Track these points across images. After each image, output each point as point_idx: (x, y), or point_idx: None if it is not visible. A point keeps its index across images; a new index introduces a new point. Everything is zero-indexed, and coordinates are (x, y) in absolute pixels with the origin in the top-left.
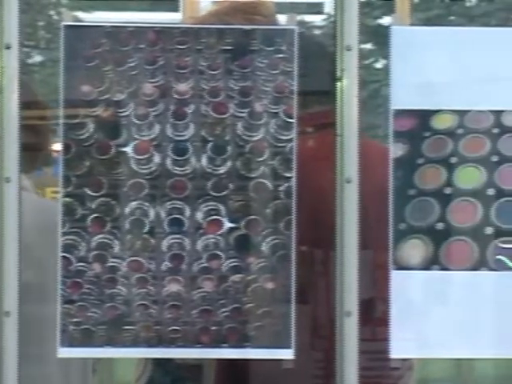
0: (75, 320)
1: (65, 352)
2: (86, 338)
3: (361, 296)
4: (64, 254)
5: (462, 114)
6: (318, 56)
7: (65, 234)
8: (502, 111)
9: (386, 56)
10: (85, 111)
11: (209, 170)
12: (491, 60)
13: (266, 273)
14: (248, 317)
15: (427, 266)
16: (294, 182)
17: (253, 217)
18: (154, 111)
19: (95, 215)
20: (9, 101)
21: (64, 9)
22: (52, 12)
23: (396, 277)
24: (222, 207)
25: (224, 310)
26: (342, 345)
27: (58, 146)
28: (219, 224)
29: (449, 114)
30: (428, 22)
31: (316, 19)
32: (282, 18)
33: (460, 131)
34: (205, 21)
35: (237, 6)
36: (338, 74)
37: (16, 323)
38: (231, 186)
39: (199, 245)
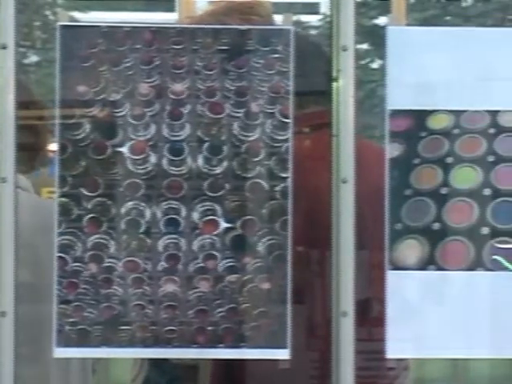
0: (71, 320)
1: (61, 352)
2: (82, 338)
3: (357, 296)
4: (60, 254)
5: (458, 114)
6: (314, 56)
7: (61, 234)
8: (498, 111)
9: (382, 56)
10: (81, 111)
11: (205, 170)
12: (487, 60)
13: (262, 273)
14: (244, 317)
15: (423, 266)
16: (289, 183)
17: (249, 217)
18: (149, 111)
19: (91, 215)
20: (5, 101)
21: (60, 9)
22: (48, 12)
23: (392, 277)
24: (218, 207)
25: (220, 310)
26: (338, 345)
27: (53, 146)
28: (215, 224)
29: (445, 114)
30: (424, 23)
31: (312, 19)
32: (277, 18)
33: (456, 131)
34: (201, 21)
35: (233, 6)
36: (334, 74)
37: (12, 323)
38: (227, 186)
39: (195, 245)
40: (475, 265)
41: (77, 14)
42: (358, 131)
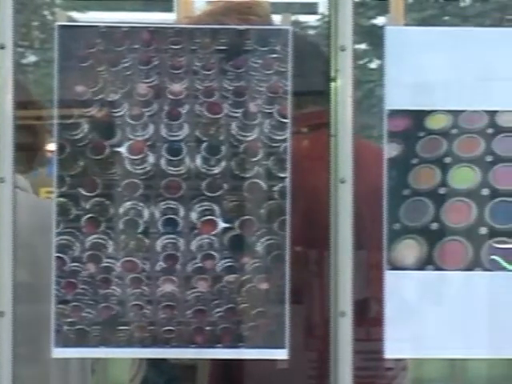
0: (69, 320)
1: (59, 352)
2: (81, 339)
3: (355, 296)
4: (58, 254)
5: (456, 114)
6: (312, 56)
7: (59, 234)
8: (496, 111)
9: (381, 56)
10: (79, 111)
11: (203, 170)
12: (485, 60)
13: (261, 273)
14: (242, 317)
15: (421, 266)
16: (288, 183)
17: (247, 217)
18: (148, 111)
19: (89, 215)
20: (3, 101)
21: (58, 9)
22: (46, 12)
23: (390, 277)
24: (216, 207)
25: (218, 310)
26: (336, 345)
27: (52, 146)
28: (213, 224)
29: (443, 114)
30: (422, 23)
31: (310, 19)
32: (276, 18)
33: (454, 131)
34: (199, 21)
35: (231, 6)
36: (333, 74)
37: (10, 323)
38: (225, 186)
39: (193, 245)
40: (473, 265)
41: (75, 14)
42: (357, 131)
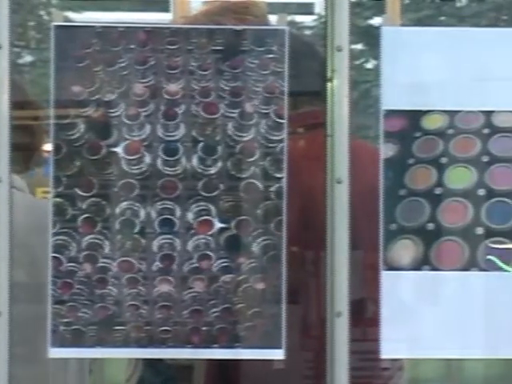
0: (66, 320)
1: (55, 352)
2: (77, 339)
3: (351, 296)
4: (54, 255)
5: (452, 114)
6: (309, 56)
7: (55, 234)
8: (492, 111)
9: (377, 56)
10: (75, 111)
11: (199, 171)
12: (481, 60)
13: (257, 273)
14: (239, 317)
15: (418, 266)
16: (284, 183)
17: (243, 217)
18: (144, 111)
19: (86, 215)
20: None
21: (54, 9)
22: (42, 12)
23: (386, 277)
24: (212, 207)
25: (215, 310)
26: (333, 345)
27: (48, 147)
28: (210, 224)
29: (439, 114)
30: (418, 23)
31: (307, 19)
32: (272, 19)
33: (450, 131)
34: (196, 21)
35: (228, 5)
36: (329, 74)
37: (7, 323)
38: (222, 186)
39: (190, 245)
40: (469, 265)
41: (71, 14)
42: (353, 131)
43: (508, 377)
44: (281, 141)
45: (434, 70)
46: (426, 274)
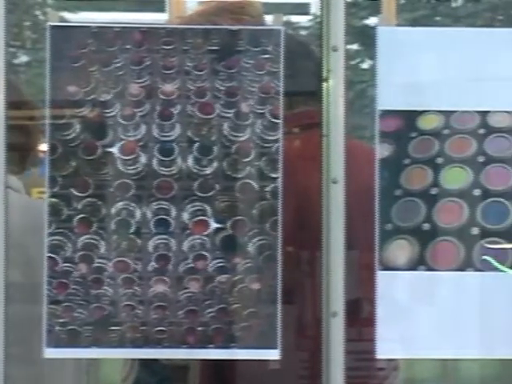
0: (61, 320)
1: (51, 352)
2: (72, 339)
3: (347, 296)
4: (50, 255)
5: (448, 114)
6: (304, 56)
7: (51, 234)
8: (487, 112)
9: (373, 57)
10: (71, 111)
11: (195, 171)
12: (477, 60)
13: (252, 273)
14: (234, 317)
15: (413, 266)
16: (280, 183)
17: (239, 217)
18: (140, 112)
19: (81, 216)
20: None
21: (50, 9)
22: (38, 12)
23: (382, 277)
24: (208, 208)
25: (210, 310)
26: (328, 345)
27: (44, 147)
28: (205, 224)
29: (435, 114)
30: (414, 23)
31: (302, 20)
32: (268, 19)
33: (446, 132)
34: (192, 21)
35: (224, 6)
36: (325, 74)
37: (2, 323)
38: (217, 186)
39: (185, 245)
40: (465, 265)
41: (67, 15)
42: (348, 131)
43: (503, 377)
44: (276, 141)
45: (429, 70)
46: (421, 274)
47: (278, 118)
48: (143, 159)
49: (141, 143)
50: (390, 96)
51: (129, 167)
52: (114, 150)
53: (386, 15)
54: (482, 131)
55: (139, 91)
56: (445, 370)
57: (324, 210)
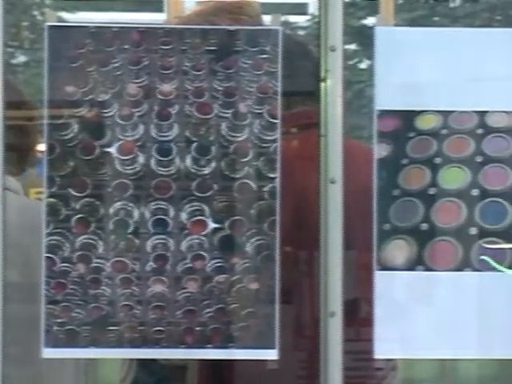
0: (59, 320)
1: (49, 353)
2: (71, 339)
3: (345, 296)
4: (48, 255)
5: (446, 114)
6: (302, 56)
7: (49, 234)
8: (486, 112)
9: (371, 57)
10: (69, 112)
11: (193, 171)
12: (475, 60)
13: (251, 273)
14: (232, 317)
15: (411, 266)
16: (278, 183)
17: (237, 217)
18: (138, 112)
19: (79, 216)
20: None
21: (48, 9)
22: (36, 12)
23: (380, 277)
24: (206, 208)
25: (208, 310)
26: (326, 345)
27: (42, 147)
28: (203, 224)
29: (433, 114)
30: (412, 23)
31: (300, 20)
32: (266, 19)
33: (444, 132)
34: (190, 21)
35: (222, 6)
36: (323, 74)
37: (1, 323)
38: (215, 186)
39: (183, 245)
40: (463, 265)
41: (65, 15)
42: (346, 131)
43: (502, 377)
44: (274, 141)
45: (427, 71)
46: (419, 275)
47: (276, 118)
48: (141, 159)
49: (139, 143)
50: (388, 96)
51: (127, 167)
52: (112, 149)
53: (384, 15)
54: (480, 131)
55: (137, 91)
56: (443, 369)
57: (322, 209)
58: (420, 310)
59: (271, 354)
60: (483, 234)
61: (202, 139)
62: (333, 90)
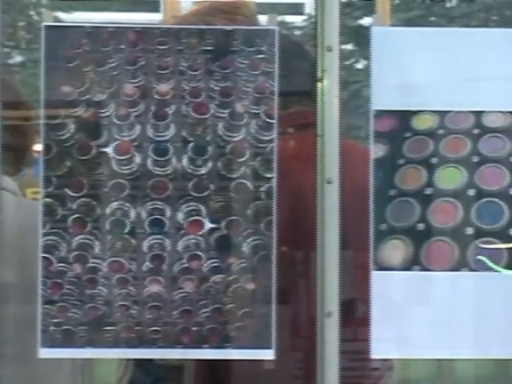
0: (56, 321)
1: (45, 353)
2: (67, 339)
3: (341, 296)
4: (44, 255)
5: (442, 114)
6: (298, 56)
7: (45, 234)
8: (482, 112)
9: (367, 57)
10: (65, 112)
11: (190, 171)
12: (471, 61)
13: (247, 273)
14: (229, 317)
15: (408, 266)
16: (274, 183)
17: (233, 217)
18: (134, 112)
19: (76, 216)
20: None
21: (44, 9)
22: (32, 12)
23: (377, 277)
24: (202, 208)
25: (205, 310)
26: (323, 345)
27: (38, 147)
28: (200, 224)
29: (429, 114)
30: (408, 23)
31: (297, 20)
32: (262, 19)
33: (440, 132)
34: (186, 21)
35: (218, 6)
36: (319, 74)
37: None
38: (212, 186)
39: (180, 245)
40: (459, 265)
41: (61, 15)
42: (343, 131)
43: (498, 377)
44: (271, 141)
45: (424, 71)
46: (416, 275)
47: (272, 118)
48: (138, 159)
49: (135, 143)
50: (384, 96)
51: (123, 167)
52: (109, 150)
53: (380, 15)
54: (476, 131)
55: (134, 91)
56: (439, 369)
57: (319, 210)
58: (416, 309)
59: (268, 354)
60: (479, 233)
61: (198, 139)
62: (329, 90)
